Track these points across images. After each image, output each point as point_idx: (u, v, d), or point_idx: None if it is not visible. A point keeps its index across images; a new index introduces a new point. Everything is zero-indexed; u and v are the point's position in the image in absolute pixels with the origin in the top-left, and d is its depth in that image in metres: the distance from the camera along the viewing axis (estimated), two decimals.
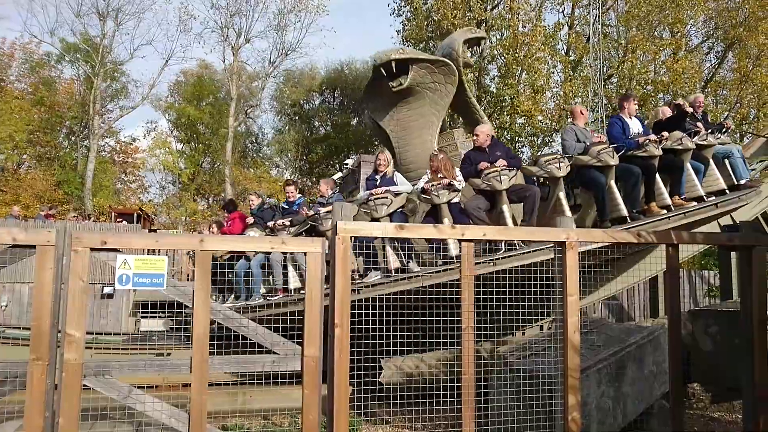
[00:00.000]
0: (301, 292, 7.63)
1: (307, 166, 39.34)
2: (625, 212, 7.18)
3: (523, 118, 25.57)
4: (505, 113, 25.37)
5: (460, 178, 7.39)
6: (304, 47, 36.81)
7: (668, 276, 5.02)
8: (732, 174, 8.20)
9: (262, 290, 8.17)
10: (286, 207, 9.15)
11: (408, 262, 7.27)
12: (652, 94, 25.85)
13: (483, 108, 26.04)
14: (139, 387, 4.14)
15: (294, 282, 7.87)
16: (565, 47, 28.09)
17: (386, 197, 7.38)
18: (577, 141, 7.57)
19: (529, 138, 26.95)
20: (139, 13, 35.52)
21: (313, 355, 4.13)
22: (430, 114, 9.71)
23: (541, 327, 8.93)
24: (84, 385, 3.82)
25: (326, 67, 40.23)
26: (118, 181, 35.65)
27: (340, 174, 24.00)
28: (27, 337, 3.92)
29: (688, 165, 7.71)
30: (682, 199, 7.60)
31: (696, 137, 7.77)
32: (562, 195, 7.21)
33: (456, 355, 4.89)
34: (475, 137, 7.78)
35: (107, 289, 12.16)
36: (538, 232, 4.95)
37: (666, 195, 7.50)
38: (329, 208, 7.79)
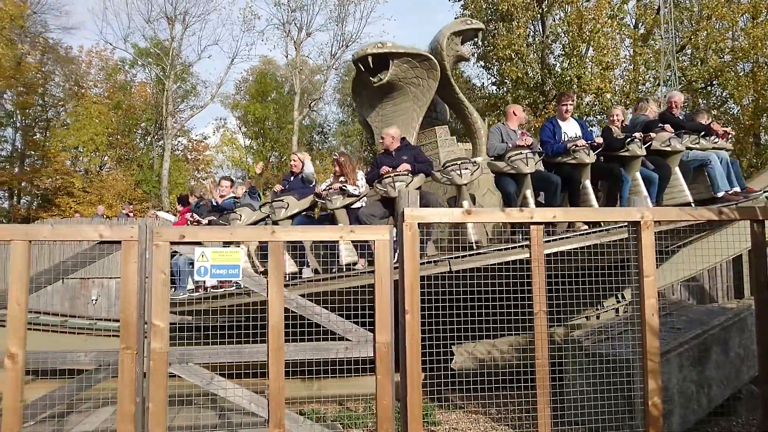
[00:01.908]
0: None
1: (372, 155, 39.60)
2: None
3: (591, 96, 24.74)
4: (572, 93, 24.61)
5: (362, 182, 7.05)
6: (364, 37, 36.87)
7: (754, 254, 4.77)
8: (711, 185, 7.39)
9: (190, 285, 8.07)
10: (215, 204, 8.94)
11: (301, 268, 6.99)
12: (731, 63, 24.39)
13: (548, 87, 25.46)
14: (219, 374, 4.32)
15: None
16: (633, 20, 26.91)
17: (282, 200, 7.24)
18: (501, 142, 7.09)
19: (598, 117, 26.06)
20: (205, 15, 36.69)
21: (384, 342, 4.18)
22: (412, 110, 9.49)
23: (617, 310, 8.70)
24: (170, 373, 4.03)
25: None
26: (192, 178, 37.06)
27: None
28: (116, 328, 4.15)
29: (637, 174, 6.98)
30: None
31: (656, 142, 7.11)
32: (466, 204, 6.73)
33: (529, 339, 4.82)
34: (381, 140, 7.41)
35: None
36: (611, 212, 4.80)
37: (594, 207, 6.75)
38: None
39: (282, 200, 7.23)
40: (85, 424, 5.91)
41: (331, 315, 4.31)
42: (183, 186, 32.87)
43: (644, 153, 6.98)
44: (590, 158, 6.73)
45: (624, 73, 25.88)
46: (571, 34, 24.53)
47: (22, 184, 30.34)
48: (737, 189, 7.36)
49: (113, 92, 32.78)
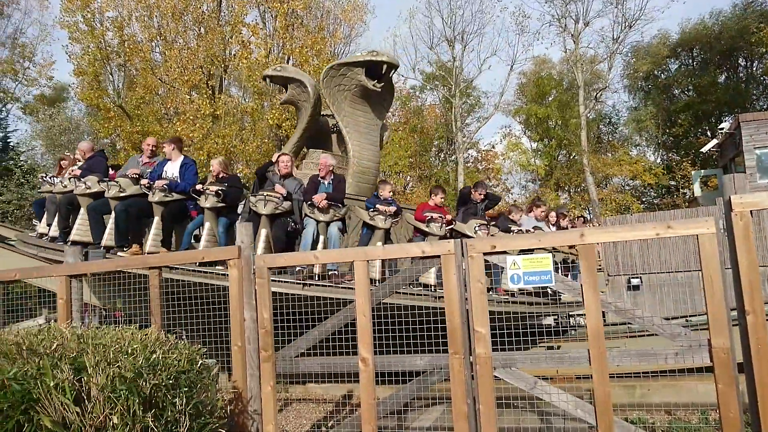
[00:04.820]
0: None
1: (671, 139, 35.93)
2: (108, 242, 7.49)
3: None
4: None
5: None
6: (649, 12, 33.87)
7: None
8: None
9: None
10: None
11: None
12: None
13: None
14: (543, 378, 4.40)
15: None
16: None
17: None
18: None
19: None
20: (480, 30, 37.93)
21: (722, 346, 3.77)
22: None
23: None
24: (495, 376, 4.25)
25: (680, 26, 36.28)
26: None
27: (714, 141, 21.26)
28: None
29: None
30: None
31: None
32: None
33: None
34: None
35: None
36: None
37: (153, 243, 7.40)
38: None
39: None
40: (422, 421, 6.58)
41: (655, 318, 4.05)
42: None
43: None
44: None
45: None
46: None
47: None
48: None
49: (409, 118, 36.08)
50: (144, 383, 3.20)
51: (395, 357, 4.57)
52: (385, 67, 10.22)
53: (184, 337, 4.25)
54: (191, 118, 22.49)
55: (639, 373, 6.47)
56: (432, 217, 8.11)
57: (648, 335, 8.40)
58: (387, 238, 7.92)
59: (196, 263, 6.29)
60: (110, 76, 26.02)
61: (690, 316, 10.24)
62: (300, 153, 12.17)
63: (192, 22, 25.06)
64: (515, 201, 37.29)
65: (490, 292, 7.76)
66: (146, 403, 3.20)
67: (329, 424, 6.98)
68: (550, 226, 10.31)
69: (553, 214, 10.75)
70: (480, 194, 9.25)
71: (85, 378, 3.12)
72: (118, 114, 24.37)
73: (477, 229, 8.35)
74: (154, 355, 3.42)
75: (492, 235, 8.27)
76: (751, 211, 3.84)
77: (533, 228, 9.20)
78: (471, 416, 4.23)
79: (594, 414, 4.00)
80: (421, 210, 8.40)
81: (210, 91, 24.65)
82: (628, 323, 7.90)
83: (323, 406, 8.02)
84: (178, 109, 23.86)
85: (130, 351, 3.41)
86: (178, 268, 6.61)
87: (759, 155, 14.02)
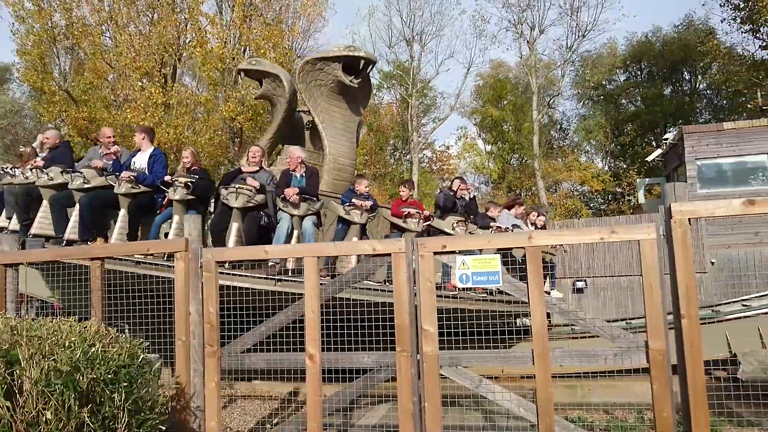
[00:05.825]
0: None
1: (619, 148, 37.05)
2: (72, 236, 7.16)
3: None
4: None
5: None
6: (601, 24, 34.75)
7: None
8: None
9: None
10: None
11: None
12: None
13: None
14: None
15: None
16: None
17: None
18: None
19: None
20: (439, 32, 38.23)
21: (659, 348, 3.91)
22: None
23: None
24: (441, 375, 4.29)
25: (627, 39, 37.49)
26: (438, 188, 38.78)
27: (659, 151, 22.01)
28: None
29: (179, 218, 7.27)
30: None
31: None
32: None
33: None
34: None
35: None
36: None
37: (118, 236, 7.16)
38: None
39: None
40: (368, 418, 6.59)
41: (597, 320, 4.17)
42: (430, 197, 34.63)
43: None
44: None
45: None
46: None
47: None
48: None
49: (366, 115, 36.07)
50: (81, 377, 3.09)
51: (342, 354, 4.55)
52: (362, 62, 10.09)
53: (126, 330, 4.12)
54: (142, 106, 21.82)
55: (580, 373, 6.68)
56: (409, 212, 8.02)
57: (590, 337, 8.63)
58: (363, 234, 7.81)
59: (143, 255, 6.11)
60: (56, 58, 25.00)
61: (630, 318, 10.59)
62: (275, 149, 11.88)
63: (145, 7, 24.33)
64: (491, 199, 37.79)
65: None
66: (83, 398, 3.09)
67: (274, 422, 6.91)
68: (529, 224, 10.27)
69: (534, 213, 10.69)
70: (461, 189, 9.10)
71: (18, 371, 2.99)
72: (63, 98, 23.44)
73: (455, 225, 8.26)
74: (93, 349, 3.31)
75: (471, 233, 8.19)
76: (689, 219, 4.00)
77: (512, 226, 9.13)
78: (416, 414, 4.26)
79: (536, 412, 4.09)
80: (398, 205, 8.30)
81: (162, 80, 23.99)
82: (572, 325, 8.12)
83: (269, 403, 7.94)
84: (129, 97, 23.13)
85: (67, 344, 3.28)
86: (122, 260, 6.41)
87: (700, 166, 14.62)
